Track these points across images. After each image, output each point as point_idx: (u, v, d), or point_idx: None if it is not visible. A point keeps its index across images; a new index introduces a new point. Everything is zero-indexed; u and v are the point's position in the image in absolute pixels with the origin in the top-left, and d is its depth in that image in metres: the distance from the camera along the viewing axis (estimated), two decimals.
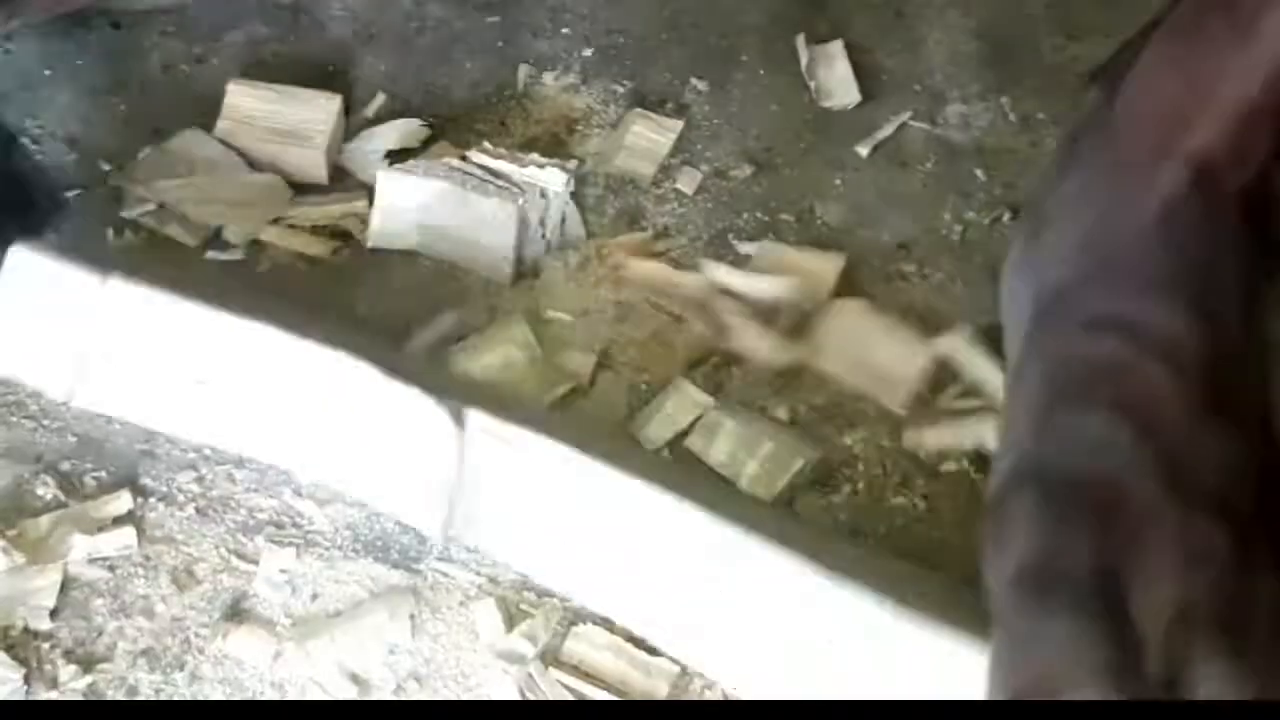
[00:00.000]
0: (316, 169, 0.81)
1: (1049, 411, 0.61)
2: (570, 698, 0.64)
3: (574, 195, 0.79)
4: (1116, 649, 0.55)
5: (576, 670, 0.64)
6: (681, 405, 0.72)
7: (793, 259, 0.78)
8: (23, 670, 0.64)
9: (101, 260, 0.70)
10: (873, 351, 0.75)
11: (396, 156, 0.81)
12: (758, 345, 0.74)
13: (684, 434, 0.72)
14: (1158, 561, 0.57)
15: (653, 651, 0.65)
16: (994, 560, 0.58)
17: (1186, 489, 0.58)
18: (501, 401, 0.68)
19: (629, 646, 0.65)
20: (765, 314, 0.76)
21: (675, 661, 0.65)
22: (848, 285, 0.79)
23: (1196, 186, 0.65)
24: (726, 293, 0.76)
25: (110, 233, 0.78)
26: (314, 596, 0.67)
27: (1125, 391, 0.60)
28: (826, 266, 0.78)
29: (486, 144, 0.78)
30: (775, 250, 0.79)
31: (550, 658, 0.65)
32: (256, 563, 0.68)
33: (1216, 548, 0.57)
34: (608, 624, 0.66)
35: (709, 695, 0.65)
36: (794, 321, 0.76)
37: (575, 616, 0.66)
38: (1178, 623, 0.56)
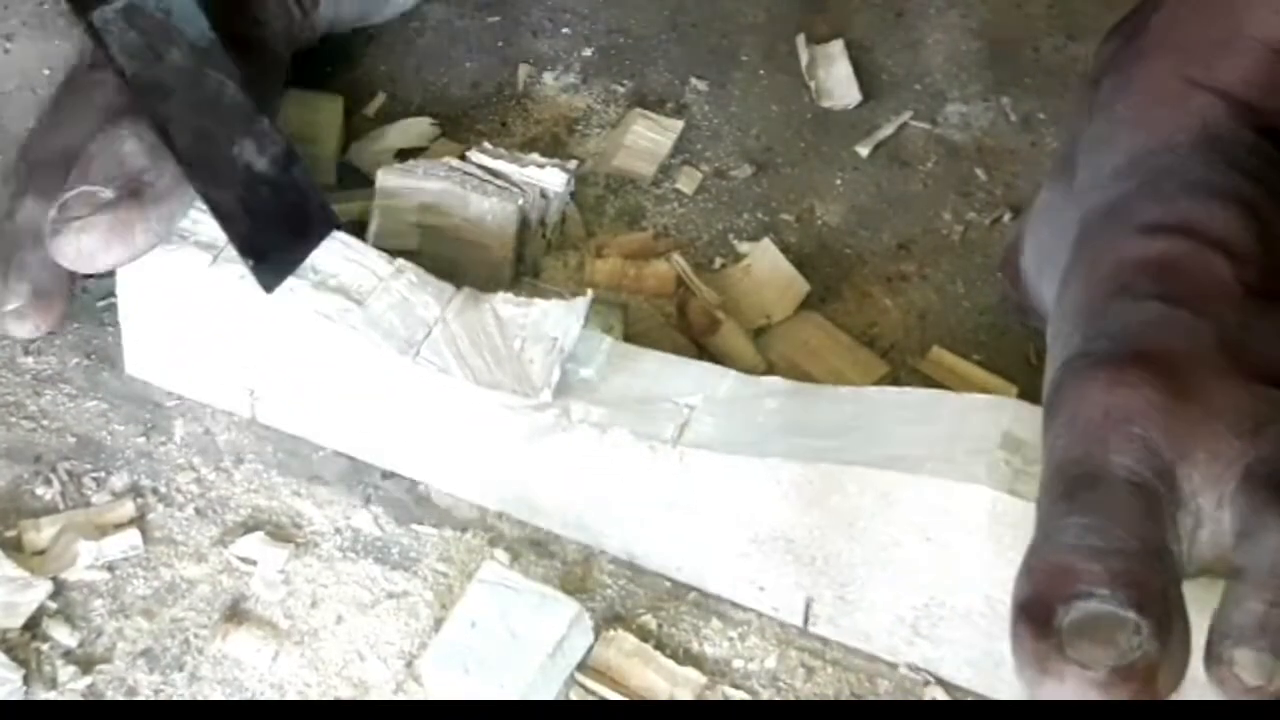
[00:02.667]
0: (319, 169, 0.80)
1: (1103, 305, 0.60)
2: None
3: (574, 195, 0.79)
4: (1142, 557, 0.53)
5: (602, 676, 0.64)
6: None
7: (765, 274, 0.78)
8: (22, 671, 0.64)
9: None
10: (826, 363, 0.75)
11: (404, 156, 0.81)
12: (741, 348, 0.74)
13: None
14: (1221, 429, 0.55)
15: (681, 660, 0.65)
16: (1045, 456, 0.57)
17: (1249, 363, 0.56)
18: None
19: (657, 654, 0.65)
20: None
21: (701, 671, 0.65)
22: (848, 285, 0.79)
23: (1232, 118, 0.64)
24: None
25: None
26: (314, 596, 0.67)
27: (1181, 282, 0.59)
28: (789, 293, 0.78)
29: (486, 144, 0.78)
30: (767, 252, 0.79)
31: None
32: (256, 563, 0.68)
33: None
34: (641, 631, 0.66)
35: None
36: (751, 329, 0.76)
37: (601, 621, 0.66)
38: (1245, 482, 0.54)
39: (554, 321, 0.67)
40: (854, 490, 0.62)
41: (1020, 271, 0.71)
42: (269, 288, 0.67)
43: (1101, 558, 0.53)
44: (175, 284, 0.69)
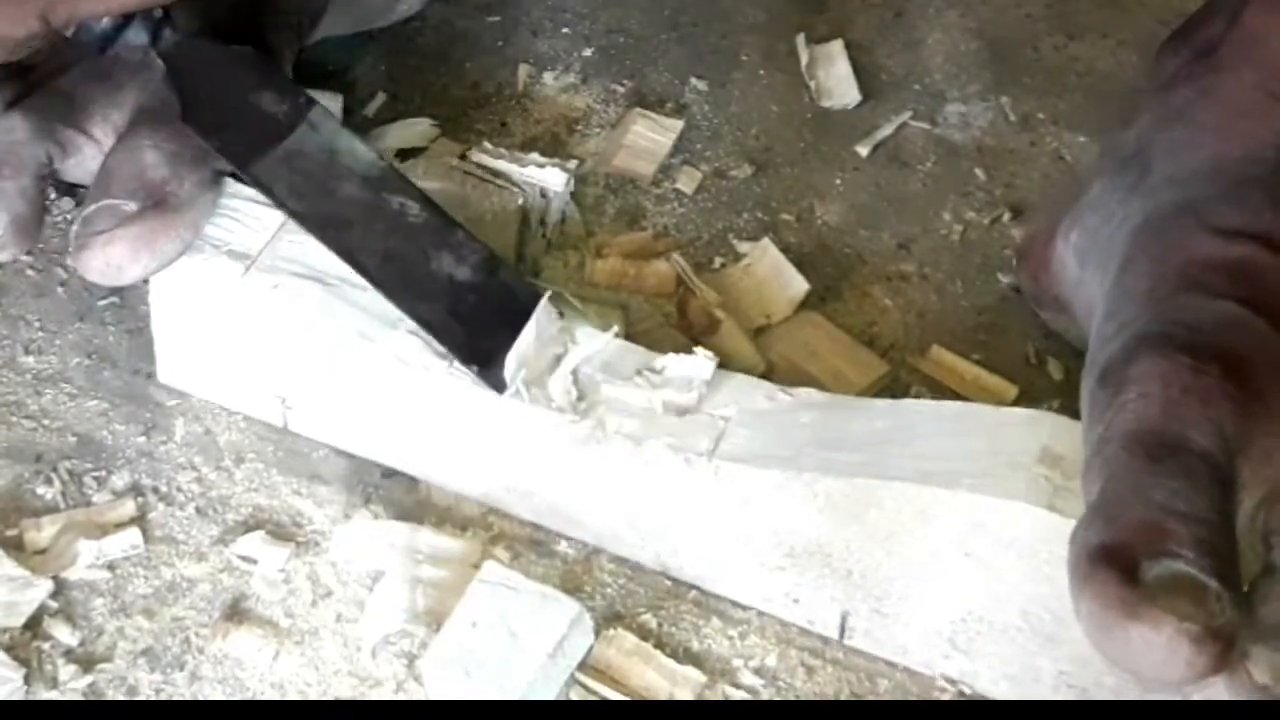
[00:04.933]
0: None
1: (1171, 294, 0.59)
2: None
3: (574, 195, 0.79)
4: (1223, 531, 0.53)
5: (602, 675, 0.64)
6: None
7: (765, 274, 0.78)
8: (23, 670, 0.64)
9: None
10: (826, 362, 0.75)
11: (404, 156, 0.81)
12: (741, 348, 0.75)
13: None
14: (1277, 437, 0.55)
15: (681, 659, 0.66)
16: (1110, 419, 0.57)
17: None
18: None
19: (657, 653, 0.65)
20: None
21: (701, 670, 0.65)
22: (848, 285, 0.79)
23: None
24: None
25: None
26: (314, 595, 0.67)
27: (1259, 290, 0.59)
28: (789, 293, 0.78)
29: (486, 144, 0.78)
30: (767, 252, 0.79)
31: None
32: (256, 562, 0.68)
33: None
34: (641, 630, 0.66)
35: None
36: (751, 329, 0.76)
37: (601, 620, 0.66)
38: None
39: (585, 338, 0.67)
40: (891, 505, 0.62)
41: (1051, 259, 0.71)
42: (500, 389, 0.66)
43: (1189, 523, 0.53)
44: (208, 293, 0.69)
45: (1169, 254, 0.62)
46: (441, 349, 0.67)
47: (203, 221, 0.69)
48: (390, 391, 0.68)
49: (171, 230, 0.68)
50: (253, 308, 0.69)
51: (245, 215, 0.70)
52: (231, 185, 0.71)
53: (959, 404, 0.66)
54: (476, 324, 0.67)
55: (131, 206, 0.67)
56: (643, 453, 0.65)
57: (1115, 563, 0.52)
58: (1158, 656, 0.51)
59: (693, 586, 0.68)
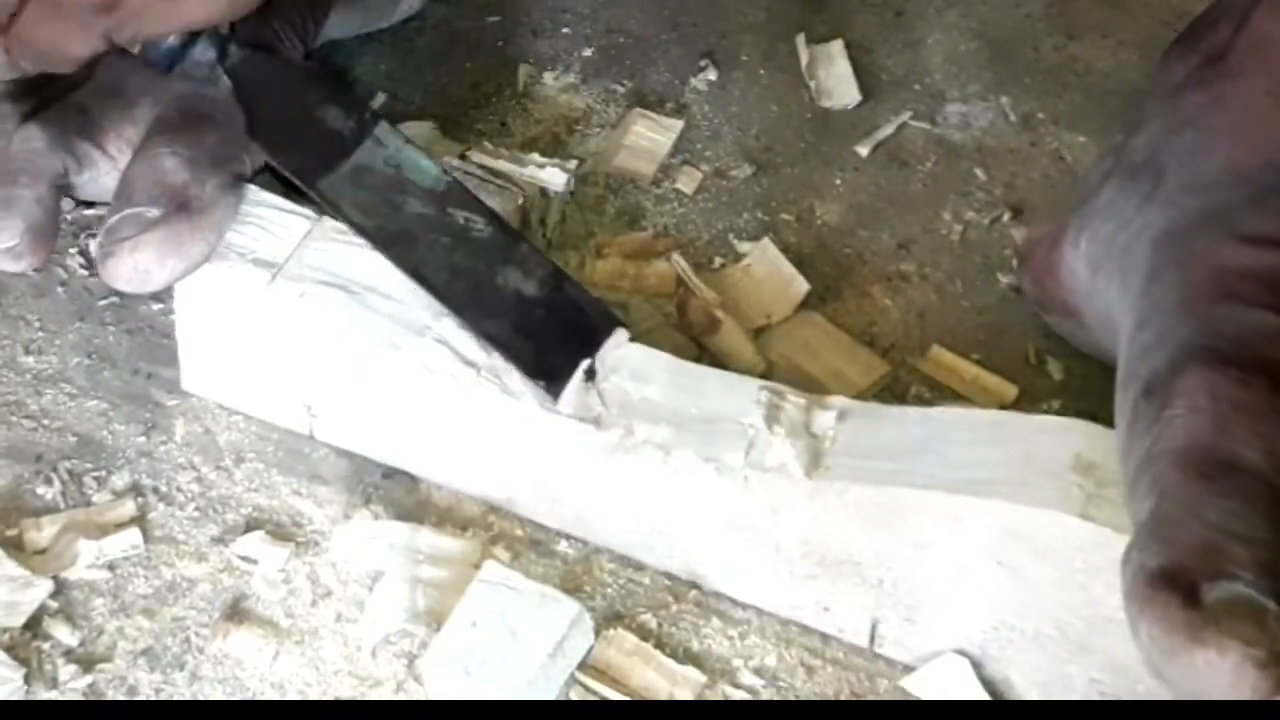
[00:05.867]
0: None
1: (1206, 305, 0.59)
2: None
3: (574, 195, 0.79)
4: (1277, 551, 0.53)
5: (602, 675, 0.64)
6: None
7: (765, 274, 0.78)
8: (23, 670, 0.64)
9: None
10: (826, 362, 0.75)
11: None
12: (741, 348, 0.75)
13: None
14: None
15: (681, 659, 0.66)
16: (1158, 433, 0.56)
17: None
18: None
19: (657, 653, 0.65)
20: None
21: (701, 670, 0.65)
22: (848, 285, 0.79)
23: None
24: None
25: None
26: (314, 595, 0.67)
27: None
28: (789, 293, 0.78)
29: (486, 144, 0.78)
30: (767, 252, 0.79)
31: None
32: (256, 562, 0.68)
33: None
34: (641, 630, 0.66)
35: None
36: (751, 329, 0.76)
37: (601, 620, 0.66)
38: None
39: (611, 347, 0.68)
40: (923, 513, 0.61)
41: (1058, 265, 0.71)
42: (558, 397, 0.66)
43: (1248, 544, 0.52)
44: (233, 301, 0.69)
45: (1198, 263, 0.62)
46: (483, 357, 0.67)
47: (226, 224, 0.69)
48: (417, 400, 0.68)
49: (196, 232, 0.68)
50: (278, 316, 0.69)
51: (271, 223, 0.70)
52: (254, 192, 0.71)
53: (991, 412, 0.66)
54: (543, 339, 0.67)
55: (154, 212, 0.67)
56: (671, 461, 0.65)
57: (1175, 585, 0.52)
58: (1223, 681, 0.51)
59: (694, 585, 0.68)
